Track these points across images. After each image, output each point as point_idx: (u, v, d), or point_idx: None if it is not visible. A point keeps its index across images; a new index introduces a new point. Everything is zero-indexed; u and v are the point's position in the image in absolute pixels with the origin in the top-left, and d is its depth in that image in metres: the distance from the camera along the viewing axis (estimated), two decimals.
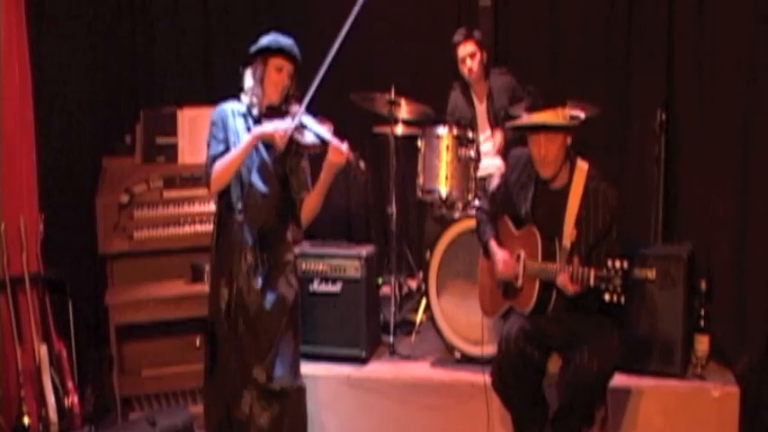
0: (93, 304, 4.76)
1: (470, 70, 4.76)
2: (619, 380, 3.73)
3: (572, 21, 5.20)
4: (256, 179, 3.50)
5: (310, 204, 3.56)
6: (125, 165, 4.89)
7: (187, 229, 4.72)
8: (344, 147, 3.39)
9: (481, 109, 4.89)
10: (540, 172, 3.55)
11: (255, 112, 3.53)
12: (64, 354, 4.35)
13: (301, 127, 3.44)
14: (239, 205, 3.50)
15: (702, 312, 4.06)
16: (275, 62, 3.47)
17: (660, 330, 4.00)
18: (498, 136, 4.78)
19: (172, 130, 4.91)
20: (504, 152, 4.71)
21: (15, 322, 4.24)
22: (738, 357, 4.14)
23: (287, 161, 3.54)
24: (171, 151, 4.90)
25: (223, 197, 3.57)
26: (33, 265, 4.32)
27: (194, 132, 4.88)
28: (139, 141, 4.92)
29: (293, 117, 3.44)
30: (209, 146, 3.52)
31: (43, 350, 4.29)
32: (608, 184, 3.57)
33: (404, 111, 4.80)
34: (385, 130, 4.78)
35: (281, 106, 3.51)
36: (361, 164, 3.43)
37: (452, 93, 4.98)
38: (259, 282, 3.52)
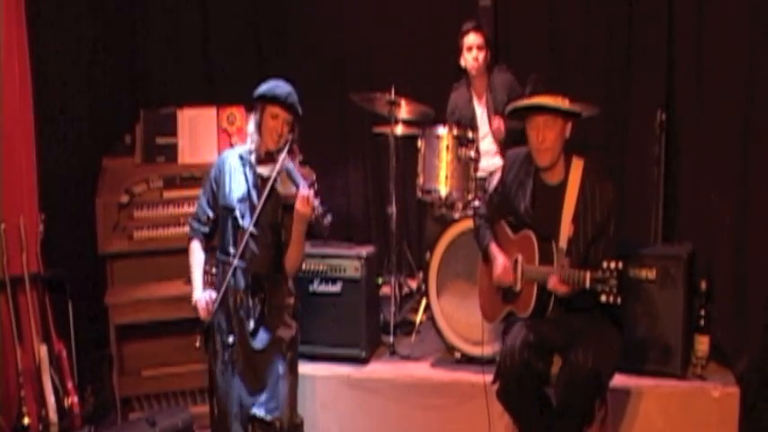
0: (93, 304, 4.75)
1: (476, 60, 4.75)
2: (619, 380, 3.73)
3: (572, 21, 5.21)
4: (249, 224, 3.51)
5: (290, 255, 3.55)
6: (125, 165, 4.87)
7: (187, 229, 4.70)
8: (311, 197, 3.36)
9: (481, 107, 4.89)
10: (538, 160, 3.54)
11: (253, 158, 3.57)
12: (64, 354, 4.34)
13: (285, 175, 3.46)
14: (233, 249, 3.53)
15: (702, 312, 4.06)
16: (271, 110, 3.49)
17: (660, 330, 4.00)
18: (498, 121, 4.74)
19: (172, 130, 4.90)
20: (504, 143, 4.70)
21: (15, 322, 4.24)
22: (738, 357, 4.14)
23: (280, 205, 3.54)
24: (171, 151, 4.89)
25: (219, 240, 3.64)
26: (33, 265, 4.32)
27: (194, 132, 4.87)
28: (139, 141, 4.92)
29: (276, 164, 3.47)
30: (197, 201, 3.72)
31: (43, 350, 4.29)
32: (605, 177, 3.57)
33: (404, 111, 4.80)
34: (385, 130, 4.78)
35: (276, 154, 3.52)
36: (327, 220, 3.40)
37: (452, 94, 4.98)
38: (251, 324, 3.55)
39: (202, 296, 3.60)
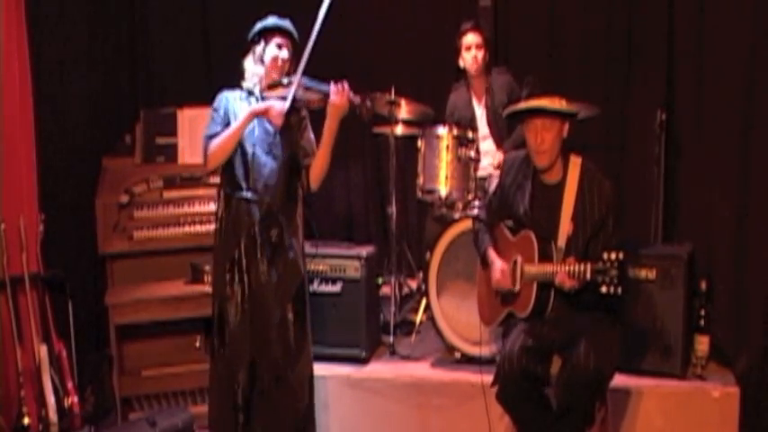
0: (93, 304, 4.76)
1: (475, 59, 4.75)
2: (619, 380, 3.72)
3: (572, 21, 5.21)
4: (261, 154, 3.53)
5: (318, 162, 3.60)
6: (125, 165, 4.88)
7: (187, 229, 4.71)
8: (346, 86, 3.48)
9: (480, 108, 4.89)
10: (536, 161, 3.55)
11: (257, 90, 3.60)
12: (64, 354, 4.34)
13: (303, 87, 3.53)
14: (244, 183, 3.54)
15: (702, 312, 4.06)
16: (276, 40, 3.60)
17: (660, 331, 4.00)
18: (499, 154, 4.76)
19: (172, 130, 4.91)
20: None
21: (15, 322, 4.24)
22: (738, 357, 4.14)
23: (293, 132, 3.59)
24: (171, 151, 4.90)
25: (226, 176, 3.62)
26: (33, 265, 4.32)
27: (194, 132, 4.87)
28: (139, 141, 4.92)
29: (292, 80, 3.53)
30: (207, 126, 3.62)
31: (43, 350, 4.29)
32: (603, 175, 3.58)
33: (404, 111, 4.80)
34: (385, 130, 4.78)
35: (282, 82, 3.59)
36: (368, 102, 3.54)
37: (451, 95, 4.98)
38: (266, 258, 3.55)
39: (271, 102, 3.51)
